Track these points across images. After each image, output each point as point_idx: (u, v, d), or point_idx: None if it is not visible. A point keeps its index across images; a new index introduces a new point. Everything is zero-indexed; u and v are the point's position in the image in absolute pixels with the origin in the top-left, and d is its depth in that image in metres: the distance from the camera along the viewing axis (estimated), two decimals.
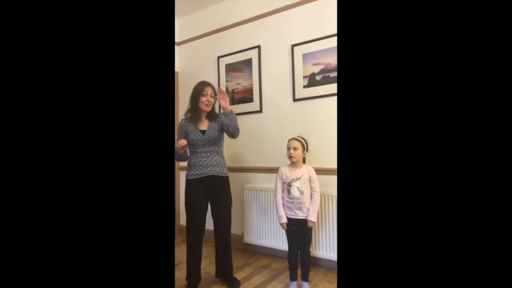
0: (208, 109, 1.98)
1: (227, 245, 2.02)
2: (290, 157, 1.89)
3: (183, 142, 1.83)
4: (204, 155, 1.94)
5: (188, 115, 2.02)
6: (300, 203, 1.85)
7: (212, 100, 1.98)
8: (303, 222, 1.86)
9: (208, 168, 1.94)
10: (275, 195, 1.94)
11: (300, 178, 1.87)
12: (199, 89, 1.97)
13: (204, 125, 2.00)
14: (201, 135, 1.95)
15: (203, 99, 1.94)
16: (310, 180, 1.91)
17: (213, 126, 1.99)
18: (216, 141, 1.99)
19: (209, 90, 1.96)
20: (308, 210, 1.85)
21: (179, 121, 2.03)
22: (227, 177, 2.03)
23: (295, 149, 1.88)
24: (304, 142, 1.91)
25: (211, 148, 1.97)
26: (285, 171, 1.93)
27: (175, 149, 1.84)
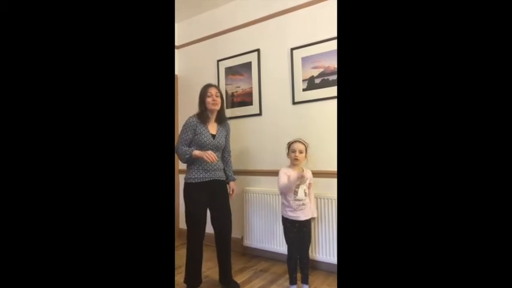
0: (216, 107, 1.98)
1: (228, 248, 2.02)
2: (295, 160, 1.87)
3: (215, 157, 1.82)
4: None
5: (198, 117, 1.99)
6: (304, 204, 1.87)
7: (218, 99, 1.99)
8: (304, 224, 1.87)
9: (212, 173, 1.96)
10: (279, 181, 1.87)
11: (306, 182, 1.90)
12: (203, 91, 2.00)
13: (214, 128, 2.02)
14: (212, 139, 1.96)
15: (208, 100, 1.96)
16: (310, 183, 1.95)
17: (221, 133, 2.04)
18: (221, 147, 2.04)
19: (213, 91, 1.98)
20: (310, 209, 1.91)
21: (187, 120, 1.97)
22: (226, 182, 2.08)
23: (300, 152, 1.87)
24: (306, 145, 1.91)
25: (217, 153, 1.97)
26: (292, 173, 1.85)
27: (198, 157, 1.86)
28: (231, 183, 2.12)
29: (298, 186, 1.87)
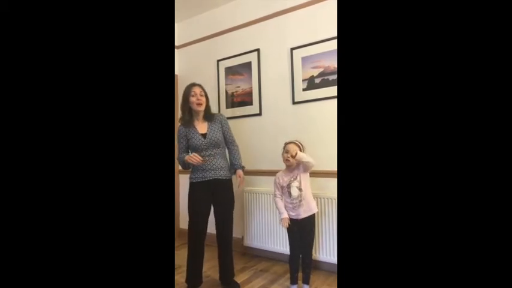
0: (201, 108, 1.96)
1: (229, 247, 2.01)
2: (287, 161, 1.89)
3: (198, 158, 1.82)
4: (206, 158, 1.92)
5: (183, 121, 1.99)
6: (301, 200, 1.85)
7: (203, 99, 1.96)
8: (306, 223, 1.86)
9: (212, 172, 1.94)
10: (274, 200, 1.95)
11: (296, 177, 1.88)
12: (187, 91, 1.97)
13: (204, 127, 1.98)
14: (203, 139, 1.93)
15: (193, 99, 1.93)
16: (304, 167, 1.87)
17: (213, 128, 1.98)
18: (219, 144, 1.97)
19: (196, 90, 1.95)
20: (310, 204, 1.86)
21: (178, 130, 2.00)
22: (230, 180, 2.02)
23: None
24: (301, 147, 1.92)
25: (214, 151, 1.95)
26: (281, 177, 1.93)
27: (187, 162, 1.86)
28: (238, 172, 2.01)
29: (289, 187, 1.87)
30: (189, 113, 1.97)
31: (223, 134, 2.03)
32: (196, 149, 1.92)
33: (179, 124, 2.02)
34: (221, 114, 2.11)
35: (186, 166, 1.94)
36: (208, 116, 2.01)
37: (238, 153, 2.08)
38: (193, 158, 1.82)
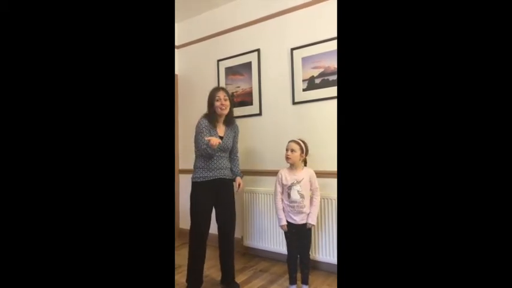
0: (225, 112, 1.99)
1: (231, 247, 2.01)
2: (287, 159, 1.90)
3: (216, 140, 1.80)
4: (215, 159, 1.96)
5: (208, 119, 1.99)
6: (300, 207, 1.85)
7: (227, 103, 1.98)
8: (302, 227, 1.86)
9: (217, 171, 1.96)
10: (274, 198, 1.94)
11: (300, 181, 1.86)
12: (212, 95, 2.00)
13: (221, 130, 2.02)
14: (219, 141, 1.94)
15: (217, 104, 1.96)
16: (310, 182, 1.90)
17: (229, 135, 2.04)
18: (228, 149, 2.05)
19: (221, 95, 1.98)
20: (308, 214, 1.85)
21: (199, 122, 1.97)
22: (232, 180, 2.06)
23: (292, 151, 1.87)
24: (302, 144, 1.90)
25: (223, 154, 2.00)
26: (285, 175, 1.92)
27: (208, 148, 1.83)
28: (238, 179, 2.08)
29: (290, 188, 1.86)
30: (214, 115, 1.99)
31: (233, 142, 2.09)
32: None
33: (202, 117, 2.00)
34: (237, 125, 2.15)
35: (208, 152, 1.88)
36: (229, 120, 2.06)
37: (239, 163, 2.17)
38: (213, 140, 1.80)
